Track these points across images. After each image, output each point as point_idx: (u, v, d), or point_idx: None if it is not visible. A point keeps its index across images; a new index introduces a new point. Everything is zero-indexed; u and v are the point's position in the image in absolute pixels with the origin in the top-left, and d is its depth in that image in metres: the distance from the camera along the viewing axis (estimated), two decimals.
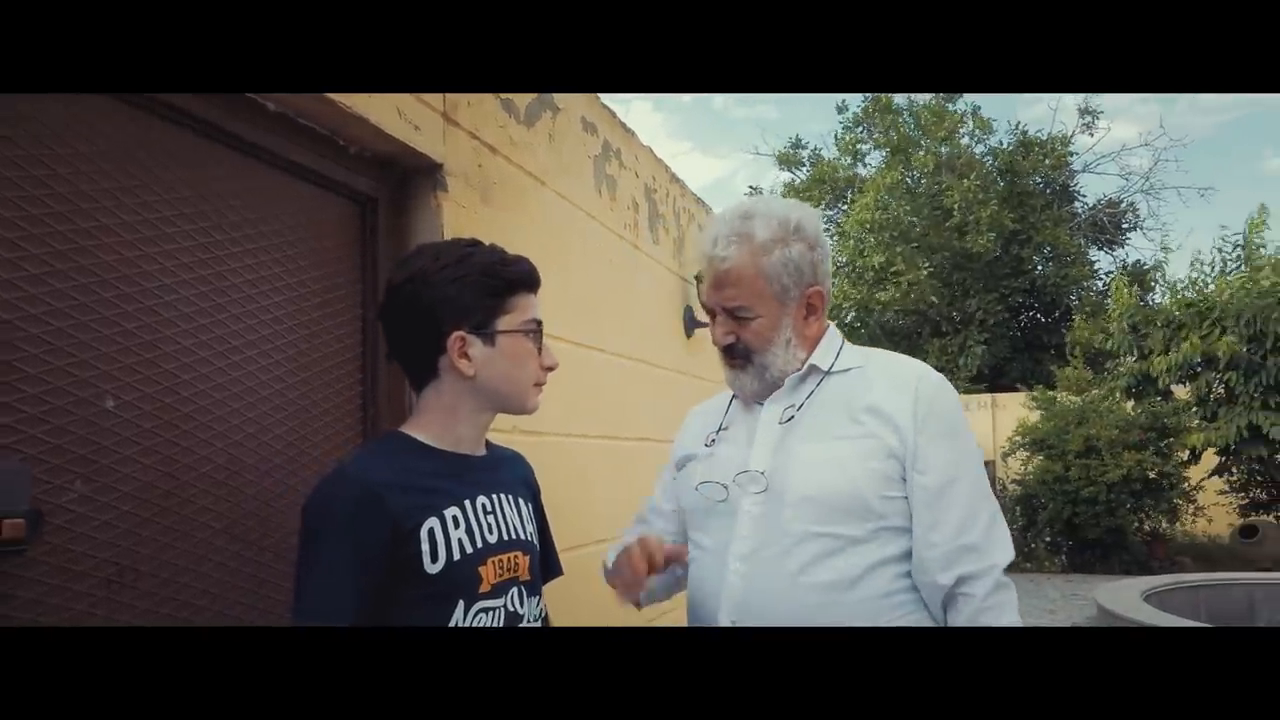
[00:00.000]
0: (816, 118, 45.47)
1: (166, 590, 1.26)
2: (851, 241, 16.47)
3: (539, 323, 1.30)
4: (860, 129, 18.87)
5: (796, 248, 1.46)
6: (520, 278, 1.28)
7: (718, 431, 1.58)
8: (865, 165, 18.75)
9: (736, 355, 1.48)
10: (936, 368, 1.83)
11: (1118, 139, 41.52)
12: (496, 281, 1.25)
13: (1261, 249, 10.67)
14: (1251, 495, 11.70)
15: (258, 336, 1.46)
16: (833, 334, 1.55)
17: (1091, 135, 19.91)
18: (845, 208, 17.99)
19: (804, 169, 19.64)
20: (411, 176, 1.81)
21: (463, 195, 1.86)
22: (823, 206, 18.78)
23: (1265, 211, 10.88)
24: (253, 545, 1.41)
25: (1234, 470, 11.23)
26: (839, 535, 1.38)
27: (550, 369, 1.32)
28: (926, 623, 1.41)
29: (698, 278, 1.58)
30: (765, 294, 1.46)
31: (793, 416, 1.47)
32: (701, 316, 3.38)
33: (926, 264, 15.81)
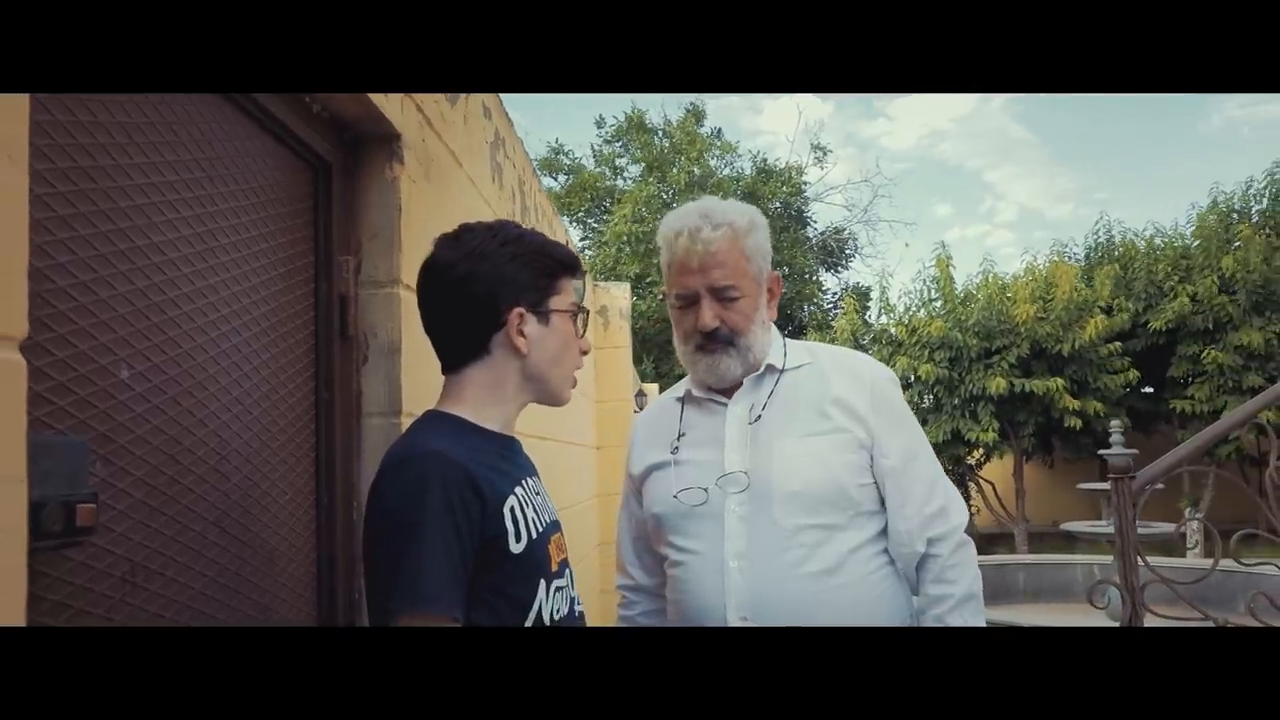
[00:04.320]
0: (565, 126, 46.24)
1: (170, 591, 1.09)
2: (611, 250, 16.97)
3: (581, 305, 1.30)
4: (619, 143, 19.50)
5: (762, 234, 1.57)
6: (568, 260, 1.29)
7: (678, 438, 1.61)
8: (625, 179, 19.39)
9: (719, 340, 1.52)
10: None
11: (844, 173, 46.30)
12: (550, 262, 1.25)
13: (950, 283, 12.35)
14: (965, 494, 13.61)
15: (240, 306, 1.29)
16: (775, 331, 1.66)
17: (822, 169, 22.04)
18: (605, 217, 18.49)
19: (563, 176, 19.93)
20: (363, 144, 1.68)
21: (414, 169, 1.76)
22: (582, 214, 19.18)
23: (944, 247, 12.67)
24: (236, 541, 1.25)
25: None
26: (826, 525, 1.47)
27: (585, 353, 1.33)
28: (902, 596, 1.55)
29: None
30: (747, 274, 1.54)
31: (760, 415, 1.54)
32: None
33: None
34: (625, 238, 16.41)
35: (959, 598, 1.48)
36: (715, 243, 1.48)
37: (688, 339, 1.54)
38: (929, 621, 1.50)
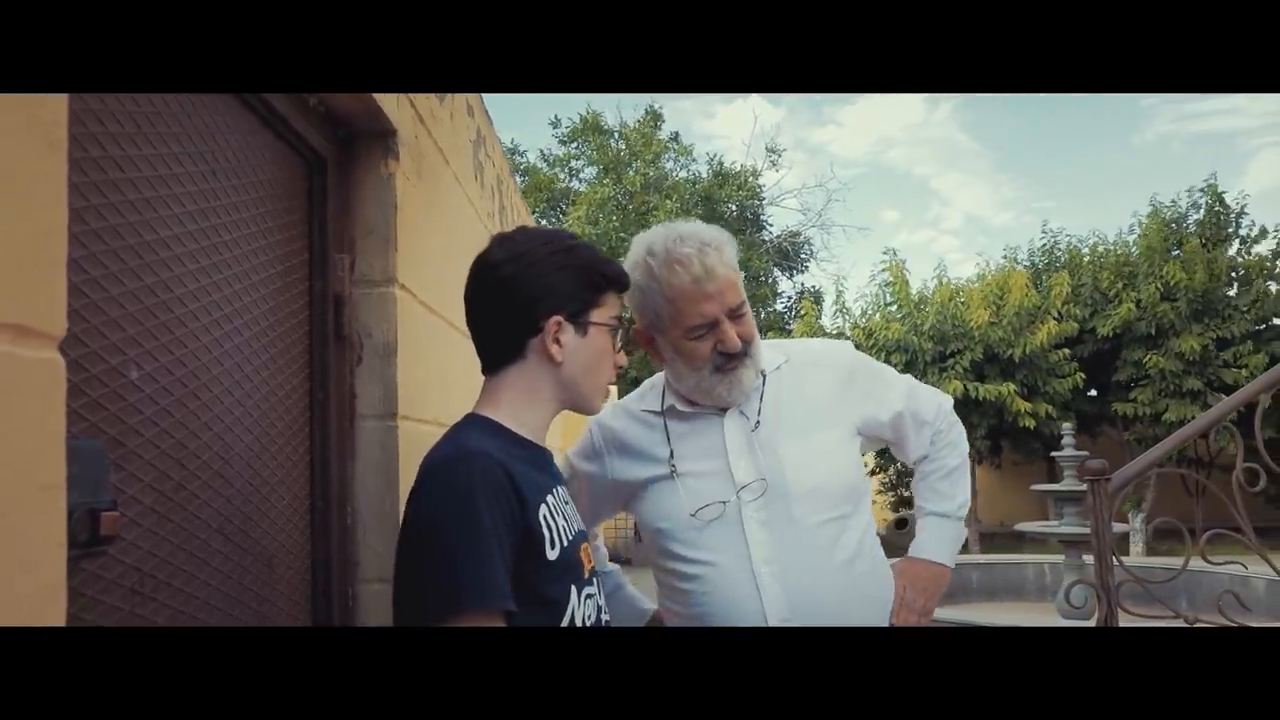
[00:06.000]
0: (521, 127, 46.01)
1: (176, 601, 1.04)
2: None
3: (621, 319, 1.31)
4: (574, 145, 19.44)
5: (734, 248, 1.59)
6: (616, 277, 1.30)
7: (671, 454, 1.59)
8: (580, 180, 19.34)
9: (736, 355, 1.53)
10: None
11: (797, 178, 46.72)
12: (596, 276, 1.27)
13: (906, 288, 12.53)
14: (899, 493, 13.78)
15: (240, 305, 1.25)
16: None
17: (777, 172, 22.24)
18: (561, 218, 18.42)
19: (518, 177, 19.80)
20: (359, 140, 1.64)
21: (408, 166, 1.72)
22: (537, 215, 19.06)
23: (894, 253, 12.88)
24: (238, 548, 1.21)
25: (889, 470, 13.14)
26: (840, 517, 1.54)
27: (620, 368, 1.33)
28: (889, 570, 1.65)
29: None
30: (742, 288, 1.57)
31: (759, 421, 1.57)
32: None
33: None
34: (580, 239, 16.36)
35: (949, 468, 1.71)
36: (721, 267, 1.49)
37: (703, 364, 1.52)
38: (919, 485, 1.74)
